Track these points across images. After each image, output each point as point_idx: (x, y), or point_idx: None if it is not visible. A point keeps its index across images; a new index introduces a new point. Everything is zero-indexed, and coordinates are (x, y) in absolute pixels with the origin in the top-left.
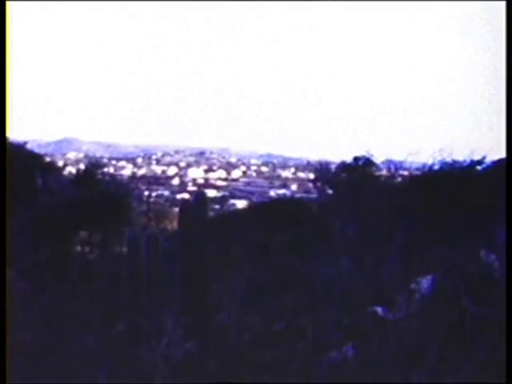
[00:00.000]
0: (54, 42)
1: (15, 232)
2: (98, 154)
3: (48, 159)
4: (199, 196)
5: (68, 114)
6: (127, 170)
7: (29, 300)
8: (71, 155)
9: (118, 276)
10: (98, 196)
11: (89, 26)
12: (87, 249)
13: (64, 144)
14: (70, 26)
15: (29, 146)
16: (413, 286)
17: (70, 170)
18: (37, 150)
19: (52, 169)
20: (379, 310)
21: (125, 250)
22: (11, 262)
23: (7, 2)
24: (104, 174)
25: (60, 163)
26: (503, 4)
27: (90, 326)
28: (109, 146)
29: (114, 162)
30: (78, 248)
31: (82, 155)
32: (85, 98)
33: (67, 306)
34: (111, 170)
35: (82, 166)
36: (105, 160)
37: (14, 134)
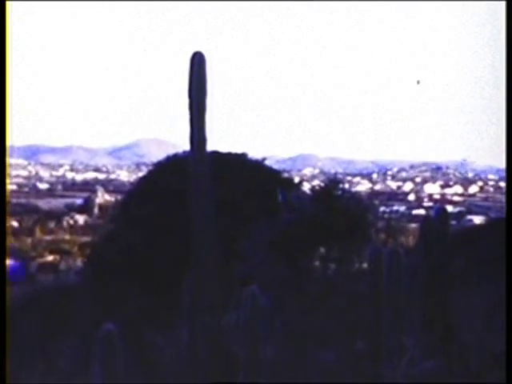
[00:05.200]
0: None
1: (257, 246)
2: (332, 170)
3: (286, 175)
4: (440, 211)
5: (302, 131)
6: (363, 186)
7: (269, 316)
8: (307, 171)
9: (357, 292)
10: (338, 212)
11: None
12: (326, 265)
13: (300, 160)
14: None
15: (267, 163)
16: None
17: (307, 186)
18: (275, 166)
19: (291, 185)
20: None
21: (364, 266)
22: (253, 277)
23: (7, 2)
24: (343, 190)
25: (296, 179)
26: (503, 4)
27: (329, 342)
28: (344, 161)
29: (349, 177)
30: (317, 264)
31: (317, 171)
32: (318, 115)
33: (307, 323)
34: (346, 185)
35: (318, 182)
36: (340, 176)
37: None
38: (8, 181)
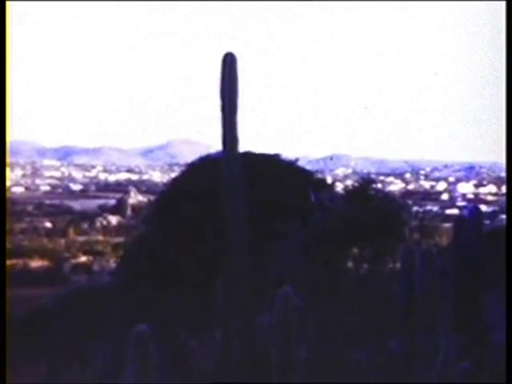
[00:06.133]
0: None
1: (290, 247)
2: (365, 170)
3: (319, 176)
4: (474, 211)
5: (335, 131)
6: (395, 186)
7: (303, 316)
8: (339, 171)
9: (391, 292)
10: (371, 212)
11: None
12: (359, 265)
13: (333, 160)
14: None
15: (300, 163)
16: None
17: (340, 185)
18: (307, 167)
19: (323, 185)
20: None
21: (397, 266)
22: (286, 278)
23: (7, 2)
24: (376, 190)
25: (329, 179)
26: (503, 4)
27: (362, 341)
28: (377, 161)
29: (382, 177)
30: (351, 264)
31: (350, 171)
32: (349, 114)
33: (340, 323)
34: (379, 185)
35: (351, 182)
36: (373, 176)
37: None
38: (40, 182)
